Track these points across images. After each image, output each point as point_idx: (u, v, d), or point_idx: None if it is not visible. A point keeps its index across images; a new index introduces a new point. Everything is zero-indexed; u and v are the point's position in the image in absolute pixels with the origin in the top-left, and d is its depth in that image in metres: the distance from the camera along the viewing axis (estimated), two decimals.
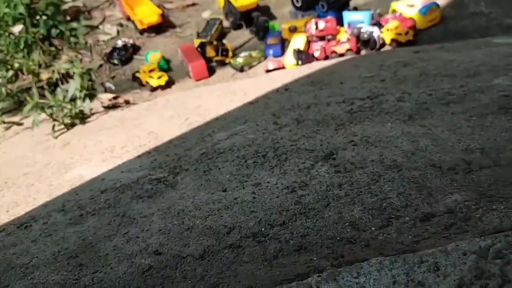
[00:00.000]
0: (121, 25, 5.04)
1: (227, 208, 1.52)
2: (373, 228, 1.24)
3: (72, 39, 4.67)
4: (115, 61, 4.49)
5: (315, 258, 1.19)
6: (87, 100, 3.74)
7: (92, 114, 3.76)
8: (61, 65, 4.10)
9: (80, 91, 3.78)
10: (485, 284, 0.97)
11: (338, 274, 1.06)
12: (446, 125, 1.74)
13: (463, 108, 1.87)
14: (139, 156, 2.31)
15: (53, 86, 4.19)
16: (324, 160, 1.69)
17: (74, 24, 4.74)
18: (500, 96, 1.92)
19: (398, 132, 1.77)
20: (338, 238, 1.24)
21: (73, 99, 3.84)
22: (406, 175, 1.45)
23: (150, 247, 1.40)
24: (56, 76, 4.20)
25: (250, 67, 3.95)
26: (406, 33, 3.61)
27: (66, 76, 4.30)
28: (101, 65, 4.59)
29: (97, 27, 5.00)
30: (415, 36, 3.70)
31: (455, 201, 1.26)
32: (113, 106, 3.90)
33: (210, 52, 4.19)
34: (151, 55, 4.31)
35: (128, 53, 4.51)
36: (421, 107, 1.98)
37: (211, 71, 4.18)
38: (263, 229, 1.36)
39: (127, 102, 3.99)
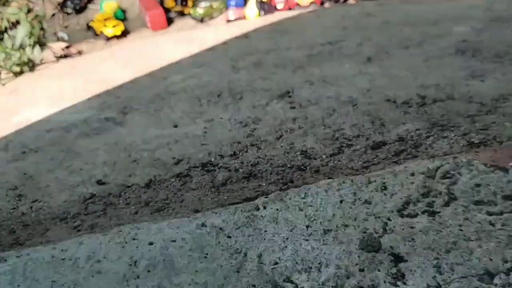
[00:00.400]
0: None
1: (177, 141, 1.46)
2: (324, 156, 1.21)
3: None
4: (69, 10, 4.27)
5: (264, 184, 1.15)
6: (37, 48, 3.54)
7: (43, 63, 3.58)
8: (9, 11, 3.85)
9: (29, 38, 3.58)
10: (431, 201, 0.96)
11: (286, 195, 1.03)
12: (403, 65, 1.72)
13: (421, 51, 1.85)
14: (88, 99, 2.20)
15: (1, 34, 3.95)
16: (280, 98, 1.65)
17: None
18: (459, 41, 1.91)
19: (356, 72, 1.74)
20: (289, 166, 1.20)
21: (23, 48, 3.64)
22: (361, 109, 1.43)
23: (94, 178, 1.33)
24: (4, 24, 3.96)
25: (211, 18, 3.83)
26: None
27: (16, 24, 4.06)
28: (53, 14, 4.37)
29: None
30: None
31: (407, 130, 1.24)
32: (65, 56, 3.73)
33: (168, 2, 4.03)
34: (106, 5, 4.12)
35: (82, 2, 4.30)
36: (380, 51, 1.96)
37: (170, 23, 4.03)
38: (212, 160, 1.31)
39: (80, 52, 3.82)
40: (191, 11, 3.85)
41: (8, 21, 4.01)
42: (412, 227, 0.92)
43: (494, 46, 1.77)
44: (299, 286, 0.82)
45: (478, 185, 0.98)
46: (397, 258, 0.85)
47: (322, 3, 3.55)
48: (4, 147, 1.82)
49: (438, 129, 1.23)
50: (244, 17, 3.61)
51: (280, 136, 1.37)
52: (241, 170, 1.24)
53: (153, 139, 1.52)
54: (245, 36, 2.76)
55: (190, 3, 3.89)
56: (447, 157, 1.05)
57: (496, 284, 0.79)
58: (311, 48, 2.19)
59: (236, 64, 2.18)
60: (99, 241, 1.00)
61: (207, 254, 0.92)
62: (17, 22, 4.03)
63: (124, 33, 3.85)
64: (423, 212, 0.95)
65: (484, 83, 1.45)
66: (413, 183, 1.01)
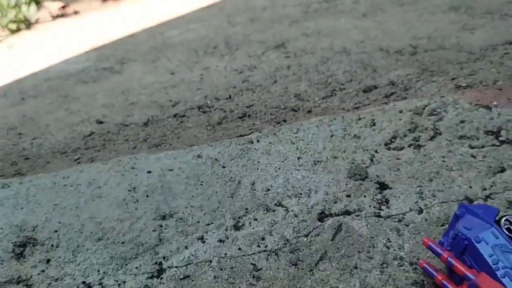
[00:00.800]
0: None
1: (174, 86, 1.49)
2: (316, 98, 1.25)
3: None
4: None
5: (258, 123, 1.19)
6: (33, 6, 3.52)
7: (40, 22, 3.56)
8: None
9: None
10: (417, 136, 1.01)
11: (278, 130, 1.08)
12: (397, 20, 1.75)
13: (415, 8, 1.87)
14: (86, 52, 2.22)
15: None
16: (275, 49, 1.67)
17: None
18: None
19: (351, 26, 1.77)
20: (282, 107, 1.24)
21: (18, 6, 3.60)
22: (354, 58, 1.46)
23: (93, 118, 1.37)
24: None
25: None
26: None
27: None
28: None
29: None
30: None
31: (398, 75, 1.28)
32: (62, 15, 3.70)
33: None
34: None
35: None
36: (375, 8, 1.98)
37: None
38: (208, 102, 1.34)
39: (76, 12, 3.79)
40: None
41: None
42: (398, 159, 0.97)
43: (487, 3, 1.79)
44: (289, 210, 0.87)
45: (462, 121, 1.03)
46: (382, 186, 0.90)
47: None
48: (3, 94, 1.84)
49: (427, 74, 1.27)
50: None
51: (275, 82, 1.40)
52: (236, 111, 1.27)
53: (150, 85, 1.55)
54: None
55: None
56: (434, 97, 1.10)
57: None
58: (308, 6, 2.20)
59: (233, 20, 2.19)
60: (99, 169, 1.04)
61: (202, 181, 0.97)
62: None
63: None
64: (409, 146, 1.00)
65: (474, 35, 1.48)
66: (401, 119, 1.05)
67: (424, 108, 1.07)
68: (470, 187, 0.88)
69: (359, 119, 1.07)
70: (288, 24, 1.95)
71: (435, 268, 0.69)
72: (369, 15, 1.88)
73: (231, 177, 0.97)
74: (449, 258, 0.66)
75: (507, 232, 0.65)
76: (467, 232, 0.67)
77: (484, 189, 0.87)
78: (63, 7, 3.88)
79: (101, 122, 1.32)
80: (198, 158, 1.04)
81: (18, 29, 3.34)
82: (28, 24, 3.48)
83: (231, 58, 1.66)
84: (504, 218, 0.66)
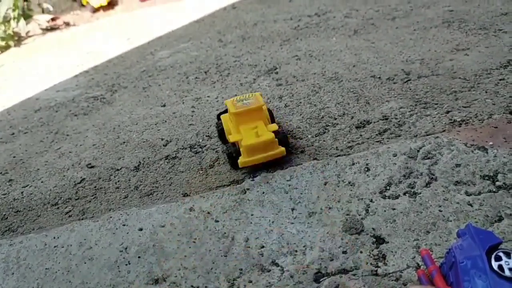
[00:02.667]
0: None
1: (165, 122, 1.47)
2: (309, 136, 1.23)
3: None
4: None
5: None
6: (22, 21, 3.47)
7: (29, 36, 3.52)
8: None
9: (14, 10, 3.50)
10: (413, 182, 0.99)
11: (271, 178, 1.06)
12: (389, 38, 1.72)
13: (407, 23, 1.84)
14: (76, 76, 2.19)
15: None
16: (267, 74, 1.65)
17: None
18: (445, 11, 1.90)
19: (342, 46, 1.74)
20: None
21: (7, 21, 3.56)
22: (346, 86, 1.44)
23: (83, 161, 1.34)
24: None
25: None
26: None
27: None
28: None
29: None
30: None
31: (391, 108, 1.26)
32: (52, 28, 3.66)
33: None
34: None
35: None
36: (367, 23, 1.95)
37: None
38: (200, 141, 1.32)
39: (66, 24, 3.74)
40: None
41: None
42: (393, 209, 0.95)
43: (480, 16, 1.77)
44: (284, 269, 0.86)
45: (458, 165, 1.01)
46: (379, 240, 0.89)
47: None
48: None
49: (421, 106, 1.24)
50: None
51: None
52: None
53: (141, 119, 1.52)
54: (233, 6, 2.72)
55: None
56: (429, 137, 1.07)
57: None
58: (299, 20, 2.17)
59: (224, 38, 2.16)
60: (90, 227, 1.02)
61: (195, 239, 0.95)
62: None
63: (111, 4, 3.77)
64: (404, 193, 0.98)
65: (468, 57, 1.45)
66: (395, 164, 1.03)
67: (418, 151, 1.05)
68: None
69: (353, 163, 1.05)
70: (279, 44, 1.92)
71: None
72: (361, 32, 1.85)
73: (225, 233, 0.96)
74: (433, 271, 0.69)
75: (494, 264, 0.64)
76: (458, 251, 0.67)
77: None
78: (53, 19, 3.84)
79: (92, 167, 1.30)
80: (191, 212, 1.02)
81: (7, 46, 3.30)
82: (17, 39, 3.44)
83: (222, 86, 1.64)
84: (498, 251, 0.65)
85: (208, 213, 1.01)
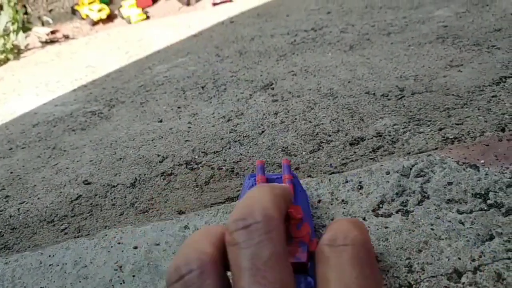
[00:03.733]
0: None
1: (162, 138, 1.48)
2: (304, 153, 1.24)
3: None
4: None
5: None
6: (21, 34, 3.51)
7: (29, 49, 3.55)
8: None
9: (13, 24, 3.53)
10: (405, 200, 1.00)
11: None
12: (384, 54, 1.74)
13: (402, 38, 1.86)
14: (74, 90, 2.21)
15: None
16: (263, 90, 1.66)
17: None
18: (440, 26, 1.92)
19: (338, 62, 1.76)
20: (270, 163, 1.23)
21: (6, 34, 3.60)
22: (341, 102, 1.45)
23: (80, 177, 1.35)
24: None
25: (197, 1, 3.80)
26: None
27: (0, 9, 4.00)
28: None
29: None
30: None
31: (385, 125, 1.27)
32: (51, 41, 3.69)
33: None
34: None
35: None
36: (362, 38, 1.97)
37: (156, 5, 4.00)
38: (196, 157, 1.33)
39: (66, 37, 3.78)
40: None
41: None
42: (386, 227, 0.96)
43: (474, 32, 1.79)
44: None
45: (450, 183, 1.02)
46: None
47: None
48: None
49: (415, 123, 1.26)
50: (230, 0, 3.57)
51: (262, 132, 1.39)
52: (223, 168, 1.26)
53: (138, 135, 1.54)
54: (230, 21, 2.75)
55: None
56: (421, 155, 1.09)
57: (463, 283, 0.84)
58: (295, 34, 2.20)
59: (221, 53, 2.18)
60: (86, 245, 1.03)
61: None
62: (0, 7, 3.97)
63: (110, 17, 3.81)
64: (397, 211, 0.99)
65: (462, 73, 1.47)
66: (388, 182, 1.04)
67: (411, 169, 1.06)
68: (459, 258, 0.87)
69: (346, 181, 1.06)
70: (275, 59, 1.94)
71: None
72: (356, 47, 1.87)
73: None
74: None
75: None
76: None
77: (473, 260, 0.86)
78: (53, 32, 3.88)
79: (88, 183, 1.31)
80: (185, 230, 1.03)
81: (6, 59, 3.33)
82: (16, 52, 3.47)
83: (219, 101, 1.65)
84: None
85: None
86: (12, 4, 3.59)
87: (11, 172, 1.49)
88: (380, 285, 0.36)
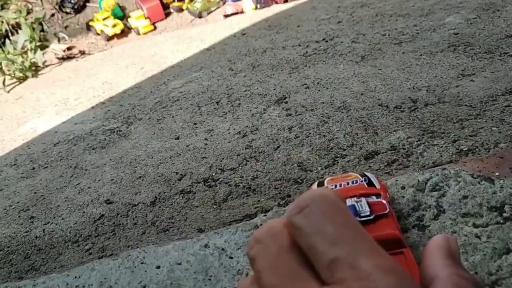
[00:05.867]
0: None
1: (179, 155, 1.52)
2: (319, 168, 1.26)
3: None
4: (68, 10, 4.29)
5: (263, 199, 1.21)
6: (39, 52, 3.59)
7: (46, 66, 3.63)
8: (8, 15, 3.89)
9: (31, 42, 3.62)
10: (421, 215, 1.01)
11: (283, 213, 1.09)
12: (396, 64, 1.75)
13: (414, 47, 1.88)
14: (93, 107, 2.26)
15: (2, 38, 3.99)
16: (277, 104, 1.69)
17: None
18: (451, 34, 1.93)
19: (350, 73, 1.78)
20: (286, 179, 1.26)
21: (24, 52, 3.68)
22: (354, 115, 1.47)
23: (102, 196, 1.39)
24: (5, 27, 4.00)
25: (209, 13, 3.85)
26: None
27: (17, 27, 4.09)
28: (53, 15, 4.39)
29: None
30: None
31: (399, 138, 1.29)
32: (68, 57, 3.77)
33: None
34: (105, 2, 4.13)
35: (80, 1, 4.31)
36: (374, 48, 1.98)
37: (169, 18, 4.06)
38: (213, 174, 1.36)
39: (82, 53, 3.85)
40: (189, 5, 3.86)
41: (8, 24, 4.05)
42: None
43: (485, 39, 1.79)
44: None
45: (465, 197, 1.03)
46: None
47: None
48: (14, 162, 1.89)
49: (428, 136, 1.27)
50: (241, 11, 3.61)
51: (278, 147, 1.42)
52: (241, 184, 1.29)
53: (156, 153, 1.57)
54: (242, 33, 2.78)
55: None
56: (436, 169, 1.10)
57: None
58: (307, 46, 2.22)
59: (234, 66, 2.22)
60: (110, 266, 1.06)
61: (211, 276, 0.99)
62: (18, 25, 4.06)
63: (124, 31, 3.88)
64: (413, 227, 1.01)
65: (474, 83, 1.48)
66: (404, 197, 1.06)
67: (426, 183, 1.07)
68: (476, 273, 0.88)
69: None
70: (288, 72, 1.97)
71: None
72: (368, 58, 1.89)
73: (239, 269, 0.99)
74: None
75: None
76: None
77: (491, 274, 0.88)
78: (69, 48, 3.96)
79: (110, 202, 1.35)
80: (206, 249, 1.05)
81: (25, 77, 3.41)
82: (34, 70, 3.55)
83: (234, 117, 1.68)
84: None
85: (223, 249, 1.04)
86: (29, 23, 3.68)
87: (35, 193, 1.54)
88: (360, 225, 0.35)
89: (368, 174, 0.91)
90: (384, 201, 0.79)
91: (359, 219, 0.73)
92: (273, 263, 0.37)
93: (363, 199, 0.76)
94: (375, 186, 0.87)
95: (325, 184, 0.87)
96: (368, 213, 0.74)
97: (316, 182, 0.90)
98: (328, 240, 0.33)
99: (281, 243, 0.39)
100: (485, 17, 2.05)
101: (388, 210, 0.77)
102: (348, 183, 0.85)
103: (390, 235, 0.73)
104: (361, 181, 0.86)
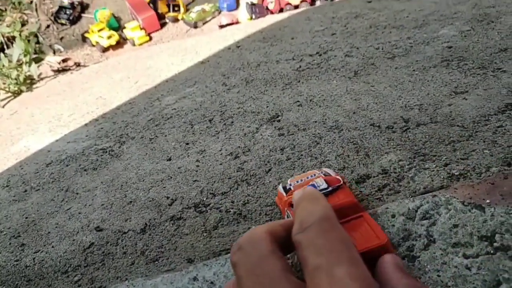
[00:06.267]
0: None
1: (171, 178, 1.51)
2: None
3: None
4: (63, 21, 4.28)
5: (253, 226, 1.19)
6: (33, 65, 3.58)
7: (41, 79, 3.63)
8: (3, 29, 3.88)
9: (25, 55, 3.62)
10: (411, 245, 1.00)
11: None
12: (389, 80, 1.74)
13: (407, 62, 1.86)
14: (86, 124, 2.25)
15: None
16: (269, 123, 1.68)
17: None
18: (444, 47, 1.92)
19: (343, 90, 1.77)
20: (277, 205, 1.25)
21: (19, 65, 3.68)
22: (346, 135, 1.46)
23: (92, 223, 1.38)
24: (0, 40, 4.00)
25: (204, 23, 3.84)
26: None
27: (12, 40, 4.09)
28: (48, 26, 4.39)
29: None
30: None
31: (390, 161, 1.28)
32: (63, 69, 3.76)
33: (162, 7, 4.04)
34: (100, 13, 4.13)
35: (75, 12, 4.30)
36: (367, 62, 1.97)
37: (164, 29, 4.05)
38: (204, 199, 1.35)
39: (77, 64, 3.85)
40: (184, 16, 3.85)
41: (2, 37, 4.05)
42: None
43: (479, 53, 1.78)
44: None
45: (455, 225, 1.02)
46: None
47: (313, 1, 3.54)
48: (6, 183, 1.88)
49: (420, 159, 1.26)
50: (236, 21, 3.60)
51: (269, 170, 1.41)
52: (231, 210, 1.28)
53: (147, 176, 1.56)
54: (237, 45, 2.77)
55: (182, 9, 3.89)
56: (426, 196, 1.09)
57: None
58: (301, 59, 2.21)
59: (228, 81, 2.21)
60: None
61: None
62: (13, 38, 4.06)
63: (119, 42, 3.87)
64: (403, 257, 0.99)
65: (466, 101, 1.47)
66: (394, 225, 1.05)
67: (416, 211, 1.06)
68: None
69: None
70: (281, 88, 1.96)
71: None
72: (361, 73, 1.88)
73: None
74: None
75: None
76: None
77: None
78: (64, 60, 3.95)
79: (100, 230, 1.34)
80: (194, 282, 1.04)
81: (20, 91, 3.40)
82: (29, 83, 3.54)
83: (226, 136, 1.67)
84: None
85: (212, 282, 1.03)
86: (23, 36, 3.68)
87: (26, 217, 1.53)
88: (347, 239, 0.42)
89: (326, 169, 1.00)
90: (338, 177, 0.93)
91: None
92: (252, 270, 0.43)
93: (320, 178, 0.91)
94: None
95: (289, 183, 0.97)
96: (326, 186, 0.88)
97: (280, 186, 0.97)
98: (316, 250, 0.39)
99: (261, 250, 0.46)
100: (479, 29, 2.04)
101: (342, 182, 0.91)
102: (308, 177, 0.95)
103: (348, 202, 0.88)
104: (319, 174, 0.96)
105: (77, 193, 1.58)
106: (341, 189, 0.90)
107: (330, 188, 0.89)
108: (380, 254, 0.74)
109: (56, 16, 4.27)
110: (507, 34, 1.90)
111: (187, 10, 3.95)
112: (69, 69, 3.74)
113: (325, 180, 0.90)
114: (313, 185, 0.90)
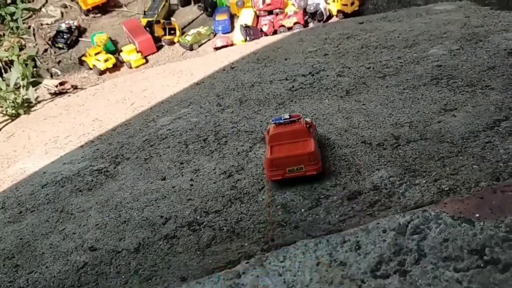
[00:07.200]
0: (65, 6, 4.86)
1: (165, 197, 1.52)
2: (303, 210, 1.26)
3: (12, 24, 4.46)
4: (60, 45, 4.34)
5: (246, 244, 1.20)
6: (31, 88, 3.61)
7: (39, 102, 3.65)
8: (1, 52, 3.92)
9: (23, 79, 3.65)
10: (403, 260, 1.01)
11: (265, 260, 1.08)
12: (380, 99, 1.77)
13: (397, 81, 1.90)
14: (82, 146, 2.26)
15: None
16: (263, 142, 1.70)
17: (13, 8, 4.53)
18: (434, 66, 1.96)
19: (335, 109, 1.79)
20: (270, 222, 1.26)
21: (17, 88, 3.71)
22: (338, 153, 1.48)
23: (86, 243, 1.38)
24: None
25: (200, 45, 3.90)
26: (352, 4, 3.63)
27: (10, 64, 4.13)
28: (46, 50, 4.44)
29: (39, 9, 4.80)
30: (361, 6, 3.71)
31: (381, 177, 1.29)
32: (60, 92, 3.79)
33: (158, 31, 4.11)
34: (97, 37, 4.19)
35: (73, 36, 4.37)
36: (358, 82, 2.01)
37: (160, 51, 4.12)
38: (198, 217, 1.36)
39: (74, 87, 3.88)
40: (180, 39, 3.91)
41: (1, 60, 4.09)
42: None
43: (468, 71, 1.81)
44: None
45: (446, 239, 1.03)
46: None
47: (306, 23, 3.60)
48: (1, 204, 1.88)
49: (410, 174, 1.27)
50: (231, 43, 3.66)
51: (262, 188, 1.42)
52: (225, 228, 1.29)
53: (141, 195, 1.57)
54: (231, 66, 2.81)
55: (178, 32, 3.96)
56: (417, 211, 1.10)
57: None
58: (293, 80, 2.24)
59: (222, 102, 2.23)
60: None
61: None
62: (11, 62, 4.10)
63: (116, 65, 3.92)
64: (395, 272, 1.00)
65: (456, 118, 1.49)
66: (385, 240, 1.06)
67: (407, 226, 1.07)
68: None
69: (344, 241, 1.08)
70: (275, 107, 1.98)
71: None
72: (353, 92, 1.91)
73: None
74: None
75: None
76: None
77: None
78: (61, 83, 3.99)
79: (94, 249, 1.34)
80: None
81: (17, 114, 3.42)
82: (27, 106, 3.56)
83: (220, 155, 1.69)
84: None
85: None
86: (21, 60, 3.72)
87: (21, 239, 1.53)
88: None
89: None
90: (299, 114, 1.48)
91: (282, 121, 1.44)
92: None
93: (288, 114, 1.48)
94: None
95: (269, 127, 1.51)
96: (288, 117, 1.44)
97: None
98: None
99: None
100: (468, 48, 2.08)
101: (300, 117, 1.45)
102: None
103: (300, 128, 1.40)
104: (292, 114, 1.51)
105: (71, 214, 1.59)
106: (298, 121, 1.42)
107: (290, 119, 1.44)
108: (308, 160, 1.30)
109: (53, 41, 4.33)
110: (495, 53, 1.94)
111: (183, 33, 4.01)
112: (66, 92, 3.78)
113: (289, 115, 1.46)
114: (280, 117, 1.45)
